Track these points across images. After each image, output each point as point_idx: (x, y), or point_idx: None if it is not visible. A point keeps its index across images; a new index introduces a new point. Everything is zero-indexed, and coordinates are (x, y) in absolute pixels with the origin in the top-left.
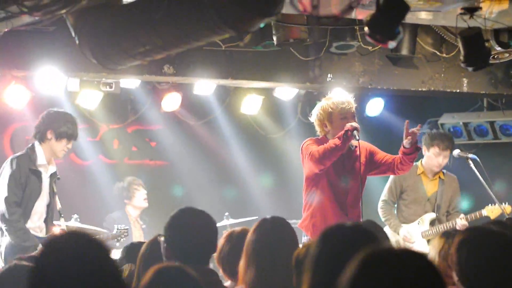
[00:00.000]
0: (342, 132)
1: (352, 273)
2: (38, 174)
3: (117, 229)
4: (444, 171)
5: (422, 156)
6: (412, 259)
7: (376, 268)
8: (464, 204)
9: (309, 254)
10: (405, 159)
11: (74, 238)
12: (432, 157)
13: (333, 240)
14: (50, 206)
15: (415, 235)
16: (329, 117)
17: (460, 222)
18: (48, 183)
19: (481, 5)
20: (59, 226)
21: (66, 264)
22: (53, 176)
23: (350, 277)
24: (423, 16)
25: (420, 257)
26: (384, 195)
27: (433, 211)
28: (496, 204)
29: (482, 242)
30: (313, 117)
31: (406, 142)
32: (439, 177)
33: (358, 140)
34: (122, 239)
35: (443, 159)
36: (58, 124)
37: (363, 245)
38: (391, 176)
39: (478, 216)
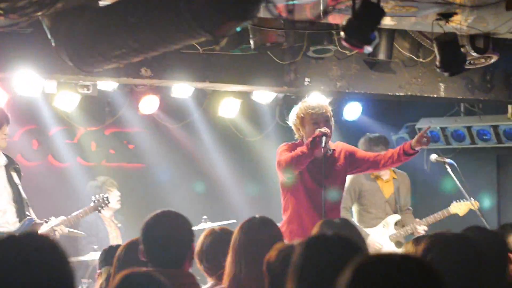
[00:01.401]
0: (310, 139)
1: (347, 279)
2: None
3: (95, 200)
4: (394, 169)
5: None
6: (409, 264)
7: (371, 274)
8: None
9: (293, 263)
10: (405, 158)
11: (26, 241)
12: None
13: (317, 250)
14: (15, 198)
15: (383, 239)
16: (302, 122)
17: (420, 228)
18: (4, 175)
19: (457, 11)
20: (46, 222)
21: (12, 270)
22: (7, 166)
23: (345, 284)
24: (398, 21)
25: (418, 261)
26: (343, 202)
27: (394, 212)
28: (463, 200)
29: (446, 249)
30: (290, 121)
31: (416, 145)
32: (393, 178)
33: (323, 147)
34: (104, 208)
35: None
36: None
37: (347, 255)
38: (348, 182)
39: (446, 214)
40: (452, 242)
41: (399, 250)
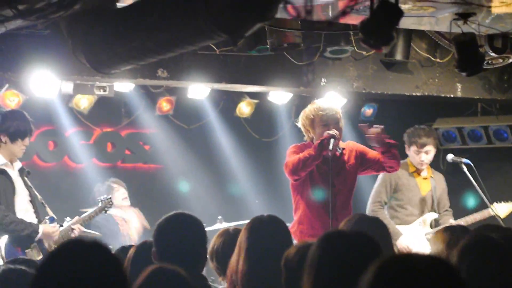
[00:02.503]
0: (318, 141)
1: (368, 279)
2: (3, 172)
3: (101, 201)
4: (432, 169)
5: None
6: (431, 265)
7: (393, 274)
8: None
9: (309, 258)
10: (383, 158)
11: (84, 247)
12: (413, 155)
13: (334, 246)
14: (33, 200)
15: (419, 237)
16: (311, 123)
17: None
18: (21, 178)
19: (475, 10)
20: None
21: (72, 276)
22: (22, 171)
23: (366, 283)
24: (417, 22)
25: (442, 263)
26: (376, 196)
27: (431, 210)
28: (504, 202)
29: (486, 252)
30: (299, 123)
31: (370, 142)
32: (431, 176)
33: (331, 150)
34: (108, 209)
35: (424, 155)
36: (8, 125)
37: (364, 251)
38: (384, 175)
39: (486, 215)
40: (492, 247)
41: None
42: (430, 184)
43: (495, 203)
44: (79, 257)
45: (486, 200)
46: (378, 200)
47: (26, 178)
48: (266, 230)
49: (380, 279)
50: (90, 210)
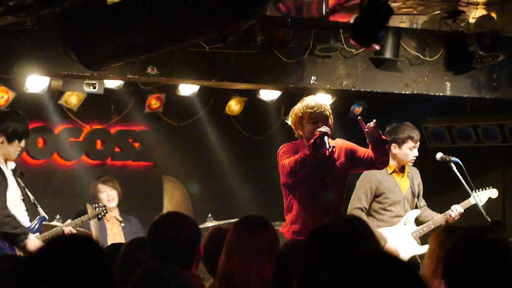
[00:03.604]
0: (312, 140)
1: (325, 279)
2: None
3: (95, 208)
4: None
5: None
6: (391, 264)
7: (350, 273)
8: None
9: (300, 251)
10: (375, 153)
11: (77, 243)
12: (407, 153)
13: (323, 238)
14: (25, 199)
15: (405, 237)
16: (300, 121)
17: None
18: (13, 177)
19: (464, 9)
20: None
21: (63, 269)
22: (15, 171)
23: (322, 282)
24: (406, 20)
25: (402, 263)
26: (356, 201)
27: (412, 208)
28: (482, 189)
29: (475, 250)
30: (289, 121)
31: (367, 137)
32: (407, 172)
33: (328, 148)
34: (102, 216)
35: (416, 150)
36: (6, 125)
37: (352, 245)
38: (362, 181)
39: (466, 205)
40: (482, 245)
41: (422, 248)
42: (408, 180)
43: (474, 192)
44: (70, 252)
45: (475, 197)
46: (359, 206)
47: (19, 179)
48: (253, 232)
49: (333, 279)
50: (83, 216)
